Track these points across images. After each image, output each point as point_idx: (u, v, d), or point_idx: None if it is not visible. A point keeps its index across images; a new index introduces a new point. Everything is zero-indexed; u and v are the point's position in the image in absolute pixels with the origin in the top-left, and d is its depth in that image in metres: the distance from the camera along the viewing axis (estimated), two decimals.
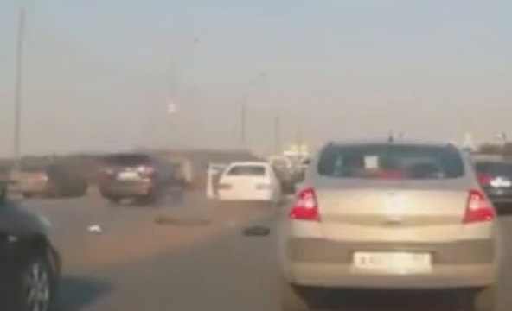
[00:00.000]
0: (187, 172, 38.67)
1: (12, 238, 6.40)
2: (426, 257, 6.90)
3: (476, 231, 6.98)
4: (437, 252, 6.87)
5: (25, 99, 41.31)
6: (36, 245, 6.86)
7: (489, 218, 7.10)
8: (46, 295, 6.85)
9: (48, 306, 6.89)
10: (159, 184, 27.62)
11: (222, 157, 37.46)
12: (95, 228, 15.99)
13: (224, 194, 26.31)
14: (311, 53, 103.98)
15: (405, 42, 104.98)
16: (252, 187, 25.91)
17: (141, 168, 27.70)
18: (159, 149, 37.13)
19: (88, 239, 13.96)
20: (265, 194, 26.07)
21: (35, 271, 6.72)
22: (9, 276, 6.32)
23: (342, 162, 8.20)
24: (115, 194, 27.69)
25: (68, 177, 35.65)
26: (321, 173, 7.70)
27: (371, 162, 8.25)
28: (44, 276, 6.84)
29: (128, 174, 27.59)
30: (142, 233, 15.50)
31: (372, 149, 8.38)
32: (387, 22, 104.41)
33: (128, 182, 27.33)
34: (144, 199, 26.80)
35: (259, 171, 27.52)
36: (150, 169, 27.75)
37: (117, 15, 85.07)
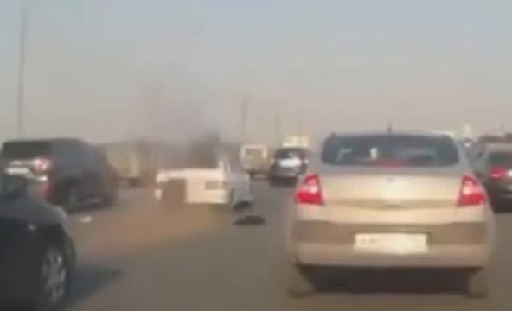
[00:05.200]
0: None
1: (31, 227, 6.79)
2: (422, 238, 7.23)
3: (469, 214, 7.30)
4: (432, 233, 7.20)
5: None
6: (53, 234, 7.24)
7: (481, 202, 7.44)
8: (62, 278, 7.25)
9: (65, 289, 7.29)
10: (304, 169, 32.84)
11: None
12: None
13: None
14: (312, 50, 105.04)
15: (404, 36, 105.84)
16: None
17: (299, 159, 36.06)
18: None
19: None
20: None
21: (52, 258, 7.11)
22: (29, 262, 6.70)
23: (343, 152, 8.59)
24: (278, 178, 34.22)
25: None
26: (324, 161, 8.07)
27: (371, 152, 8.63)
28: (60, 261, 7.23)
29: (288, 163, 36.25)
30: None
31: (372, 139, 8.79)
32: (386, 16, 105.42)
33: (288, 169, 35.08)
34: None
35: None
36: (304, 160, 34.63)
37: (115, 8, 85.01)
